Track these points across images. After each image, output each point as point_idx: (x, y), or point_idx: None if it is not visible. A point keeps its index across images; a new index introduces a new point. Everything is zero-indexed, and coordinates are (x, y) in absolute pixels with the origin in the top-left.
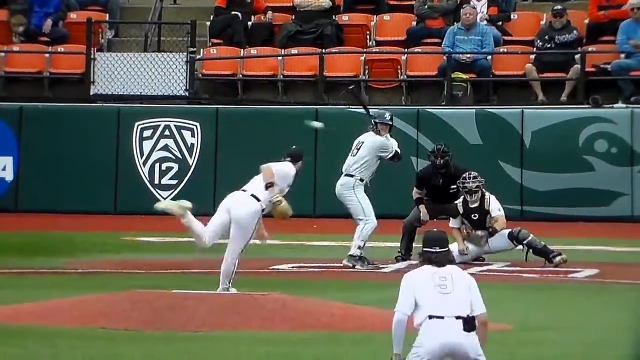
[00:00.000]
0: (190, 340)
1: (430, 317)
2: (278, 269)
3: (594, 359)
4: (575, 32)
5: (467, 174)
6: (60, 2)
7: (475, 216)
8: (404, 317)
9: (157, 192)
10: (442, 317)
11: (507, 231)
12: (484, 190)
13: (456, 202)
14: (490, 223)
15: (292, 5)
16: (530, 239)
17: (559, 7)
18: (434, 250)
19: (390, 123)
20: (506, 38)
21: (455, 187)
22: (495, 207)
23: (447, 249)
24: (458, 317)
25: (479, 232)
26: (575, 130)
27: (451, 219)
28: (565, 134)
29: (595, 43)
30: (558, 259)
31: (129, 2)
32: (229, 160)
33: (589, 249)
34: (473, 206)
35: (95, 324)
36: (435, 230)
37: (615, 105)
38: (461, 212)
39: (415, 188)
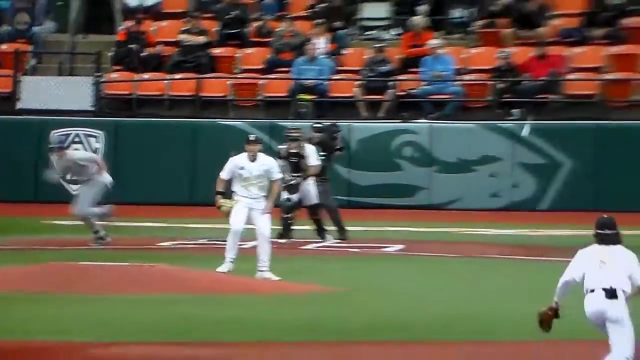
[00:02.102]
0: (96, 302)
1: (587, 291)
2: (163, 245)
3: (404, 318)
4: (390, 64)
5: (294, 128)
6: None
7: (293, 159)
8: (568, 281)
9: (69, 185)
10: (593, 290)
11: (316, 195)
12: (304, 141)
13: (280, 147)
14: (305, 170)
15: (176, 40)
16: (289, 215)
17: (380, 45)
18: (605, 232)
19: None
20: (340, 68)
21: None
22: (312, 156)
23: (615, 231)
24: (604, 289)
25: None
26: (389, 139)
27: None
28: (381, 142)
29: (406, 73)
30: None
31: (49, 36)
32: (126, 162)
33: (397, 229)
34: (292, 151)
35: (17, 288)
36: (605, 216)
37: (419, 120)
38: (284, 156)
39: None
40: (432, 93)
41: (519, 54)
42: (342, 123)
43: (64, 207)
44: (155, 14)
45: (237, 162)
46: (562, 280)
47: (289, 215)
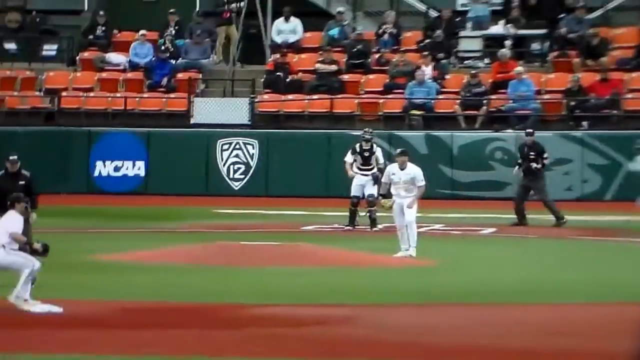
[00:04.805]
0: (255, 273)
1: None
2: (305, 229)
3: (493, 285)
4: (483, 86)
5: (367, 129)
6: None
7: (366, 153)
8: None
9: None
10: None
11: (375, 190)
12: (374, 142)
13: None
14: (374, 164)
15: (313, 68)
16: (374, 209)
17: (475, 72)
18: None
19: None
20: (443, 89)
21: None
22: (379, 154)
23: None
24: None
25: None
26: (484, 145)
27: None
28: (478, 148)
29: (496, 93)
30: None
31: (214, 66)
32: (274, 165)
33: (491, 215)
34: (365, 147)
35: (196, 262)
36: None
37: (507, 131)
38: (357, 151)
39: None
40: (517, 109)
41: (586, 78)
42: (444, 133)
43: (229, 199)
44: (296, 48)
45: (390, 170)
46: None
47: (373, 208)
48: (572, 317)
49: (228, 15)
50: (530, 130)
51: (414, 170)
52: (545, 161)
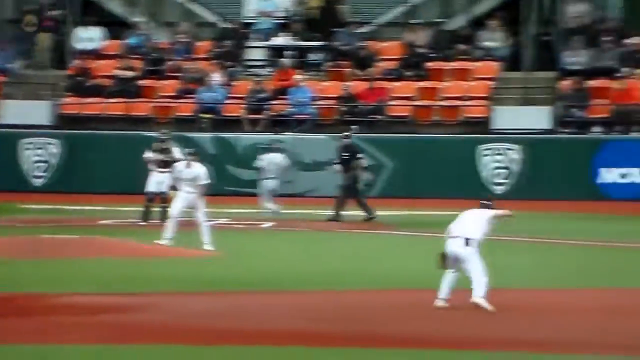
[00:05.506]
0: (52, 263)
1: None
2: (103, 223)
3: (271, 275)
4: (267, 92)
5: (163, 130)
6: None
7: (163, 153)
8: None
9: None
10: None
11: (168, 187)
12: (170, 142)
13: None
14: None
15: (113, 74)
16: (167, 204)
17: (259, 79)
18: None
19: None
20: (230, 95)
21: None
22: (176, 153)
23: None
24: None
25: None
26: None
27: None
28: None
29: (277, 99)
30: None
31: (20, 70)
32: (78, 164)
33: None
34: (163, 147)
35: None
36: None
37: (286, 133)
38: (155, 150)
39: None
40: (296, 114)
41: (356, 86)
42: (232, 135)
43: (32, 195)
44: (96, 55)
45: (178, 167)
46: None
47: (166, 204)
48: (337, 303)
49: (47, 23)
50: (347, 134)
51: (198, 170)
52: (359, 162)
